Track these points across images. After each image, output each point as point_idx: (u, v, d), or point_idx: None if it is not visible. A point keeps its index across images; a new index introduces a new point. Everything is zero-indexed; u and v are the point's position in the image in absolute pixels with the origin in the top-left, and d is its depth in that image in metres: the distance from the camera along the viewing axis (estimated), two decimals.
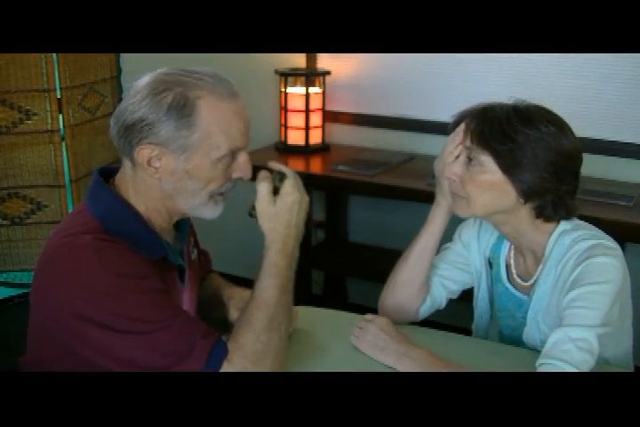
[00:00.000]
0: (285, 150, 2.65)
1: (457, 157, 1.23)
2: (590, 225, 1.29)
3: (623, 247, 2.16)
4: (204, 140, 1.08)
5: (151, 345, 1.04)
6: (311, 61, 2.70)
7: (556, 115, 1.23)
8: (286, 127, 2.63)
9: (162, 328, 1.04)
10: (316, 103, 2.61)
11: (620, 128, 2.25)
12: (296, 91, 2.60)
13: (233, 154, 1.12)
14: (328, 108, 2.67)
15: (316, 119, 2.63)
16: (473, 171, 1.21)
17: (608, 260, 1.18)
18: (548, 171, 1.18)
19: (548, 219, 1.24)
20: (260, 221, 1.13)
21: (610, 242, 1.23)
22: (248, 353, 1.07)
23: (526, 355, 1.26)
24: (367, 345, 1.27)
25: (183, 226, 1.25)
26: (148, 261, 1.11)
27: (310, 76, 2.60)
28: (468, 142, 1.22)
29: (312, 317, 1.40)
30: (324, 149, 2.66)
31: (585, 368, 1.08)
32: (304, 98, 2.57)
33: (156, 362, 1.04)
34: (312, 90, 2.59)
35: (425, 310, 1.40)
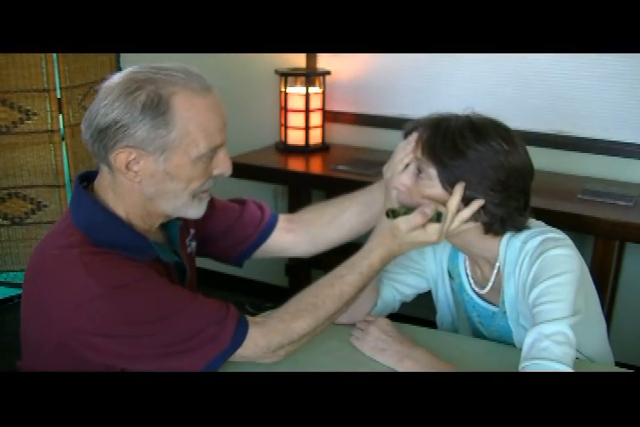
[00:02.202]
0: (285, 150, 2.65)
1: (406, 167, 1.21)
2: (535, 221, 1.27)
3: (623, 247, 2.18)
4: (183, 138, 1.05)
5: (173, 336, 1.05)
6: (311, 61, 2.70)
7: (509, 130, 1.19)
8: (286, 127, 2.63)
9: (179, 318, 1.05)
10: (316, 103, 2.61)
11: (620, 128, 2.24)
12: (296, 91, 2.60)
13: (212, 152, 1.10)
14: (328, 108, 2.67)
15: (315, 119, 2.62)
16: (421, 184, 1.18)
17: (561, 251, 1.17)
18: (495, 189, 1.15)
19: (496, 234, 1.22)
20: (391, 231, 1.17)
21: (557, 234, 1.22)
22: (293, 336, 1.11)
23: None
24: (368, 347, 1.26)
25: (173, 227, 1.23)
26: (142, 264, 1.09)
27: (310, 76, 2.60)
28: (418, 153, 1.19)
29: None
30: (323, 148, 2.66)
31: (568, 360, 1.07)
32: (304, 98, 2.57)
33: (184, 346, 1.05)
34: (312, 90, 2.58)
35: (376, 313, 1.38)
